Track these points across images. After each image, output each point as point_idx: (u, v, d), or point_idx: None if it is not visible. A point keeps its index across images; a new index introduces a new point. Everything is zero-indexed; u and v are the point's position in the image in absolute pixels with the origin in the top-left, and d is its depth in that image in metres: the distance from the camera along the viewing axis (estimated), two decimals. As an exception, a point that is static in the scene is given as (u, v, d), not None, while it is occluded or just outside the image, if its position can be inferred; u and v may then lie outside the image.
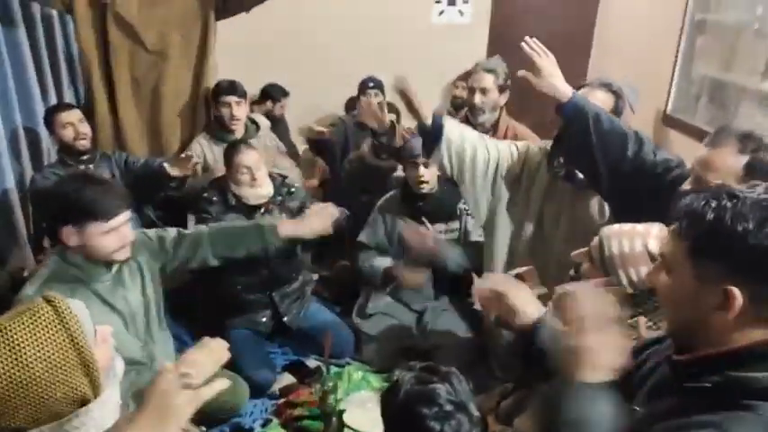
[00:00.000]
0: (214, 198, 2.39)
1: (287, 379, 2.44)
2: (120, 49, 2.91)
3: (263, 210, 2.43)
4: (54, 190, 1.67)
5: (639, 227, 1.38)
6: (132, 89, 2.99)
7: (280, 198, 2.47)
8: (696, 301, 0.84)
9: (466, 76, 4.10)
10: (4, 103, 2.75)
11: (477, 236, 2.47)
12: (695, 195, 0.85)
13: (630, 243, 1.34)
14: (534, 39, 1.81)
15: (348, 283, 2.88)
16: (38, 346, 0.85)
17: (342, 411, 1.97)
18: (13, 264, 2.46)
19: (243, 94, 2.88)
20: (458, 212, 2.51)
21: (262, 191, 2.36)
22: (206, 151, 2.89)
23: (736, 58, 2.85)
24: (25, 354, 0.84)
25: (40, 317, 0.88)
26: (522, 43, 1.80)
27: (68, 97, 3.26)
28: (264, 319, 2.49)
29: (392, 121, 2.60)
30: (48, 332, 0.87)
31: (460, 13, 4.36)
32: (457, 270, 2.42)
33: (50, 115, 2.59)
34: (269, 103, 4.05)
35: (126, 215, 1.69)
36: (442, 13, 4.36)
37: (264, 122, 3.18)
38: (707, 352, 0.85)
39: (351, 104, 4.11)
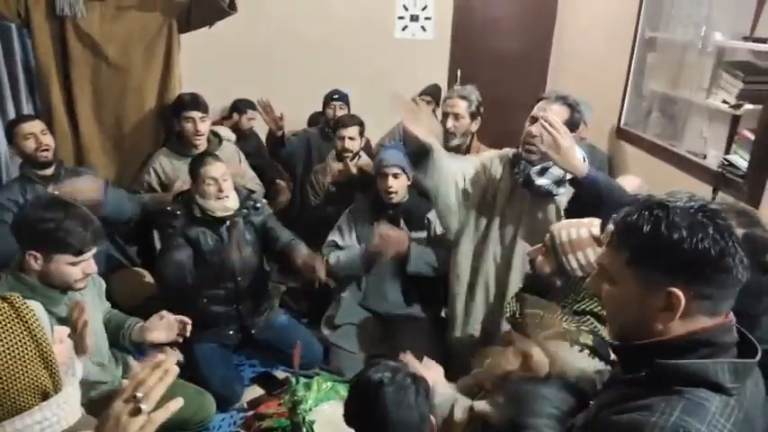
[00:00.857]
0: (178, 212, 2.37)
1: (255, 391, 2.44)
2: (80, 62, 2.87)
3: (228, 223, 2.42)
4: (32, 215, 1.63)
5: (584, 219, 1.57)
6: (93, 102, 2.96)
7: (245, 211, 2.48)
8: (641, 305, 0.91)
9: (426, 90, 4.21)
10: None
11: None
12: (629, 208, 0.93)
13: (577, 231, 1.52)
14: (554, 118, 1.89)
15: (316, 295, 2.90)
16: None
17: (312, 422, 1.98)
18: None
19: (206, 109, 2.87)
20: (426, 221, 2.56)
21: (228, 203, 2.36)
22: (165, 168, 2.85)
23: (683, 74, 3.01)
24: None
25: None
26: (542, 121, 1.89)
27: (27, 110, 3.19)
28: (231, 332, 2.48)
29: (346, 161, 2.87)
30: (5, 326, 0.89)
31: (423, 28, 4.47)
32: (427, 272, 2.47)
33: (11, 127, 2.53)
34: (235, 116, 4.03)
35: (94, 251, 1.69)
36: (405, 28, 4.46)
37: (229, 136, 3.18)
38: (641, 342, 0.92)
39: (314, 119, 4.14)
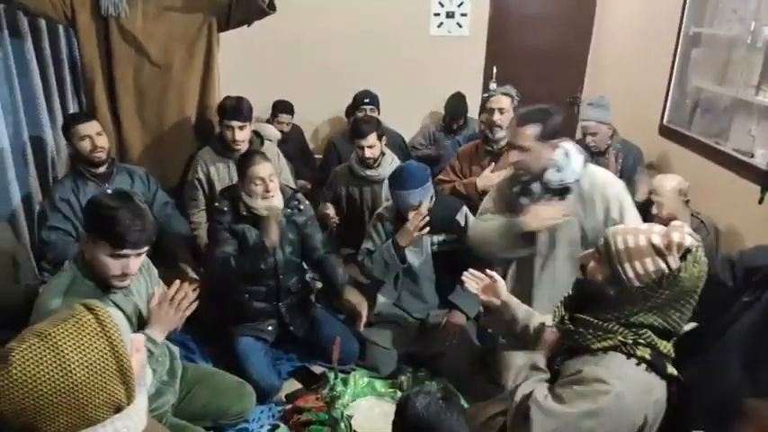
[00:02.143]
0: (225, 208, 2.41)
1: (293, 385, 2.47)
2: (123, 60, 2.94)
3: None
4: (96, 199, 1.69)
5: (643, 225, 1.46)
6: (135, 101, 3.02)
7: (289, 211, 2.50)
8: None
9: (460, 114, 4.20)
10: (11, 114, 2.78)
11: None
12: None
13: (635, 238, 1.39)
14: None
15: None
16: (81, 352, 0.87)
17: (350, 417, 2.00)
18: (19, 273, 2.47)
19: (247, 117, 2.89)
20: (455, 224, 2.55)
21: (273, 202, 2.37)
22: (209, 167, 2.92)
23: (730, 70, 2.92)
24: (69, 360, 0.85)
25: (82, 324, 0.90)
26: None
27: (73, 108, 3.29)
28: (270, 328, 2.51)
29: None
30: (90, 339, 0.88)
31: (459, 25, 4.44)
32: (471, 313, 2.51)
33: (69, 125, 2.60)
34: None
35: (137, 252, 1.68)
36: (440, 25, 4.44)
37: (272, 134, 3.22)
38: None
39: (350, 111, 4.16)
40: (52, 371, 0.84)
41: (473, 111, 4.42)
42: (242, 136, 2.87)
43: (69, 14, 2.84)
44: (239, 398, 2.17)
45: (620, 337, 1.38)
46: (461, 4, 4.36)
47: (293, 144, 4.09)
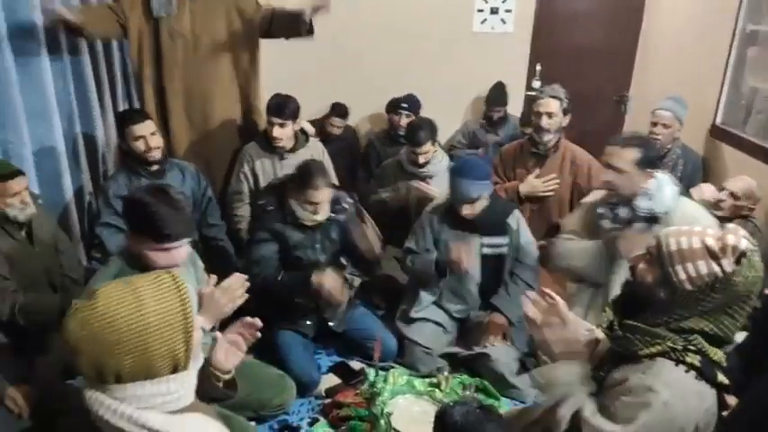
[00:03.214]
0: (270, 207, 2.44)
1: (331, 380, 2.49)
2: (172, 60, 2.99)
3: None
4: (132, 196, 1.74)
5: (696, 227, 1.40)
6: (183, 100, 3.07)
7: (332, 214, 2.51)
8: None
9: (498, 101, 4.19)
10: (65, 110, 2.88)
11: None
12: None
13: (688, 239, 1.35)
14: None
15: (390, 288, 2.93)
16: (156, 301, 0.96)
17: (389, 414, 2.01)
18: (66, 266, 2.57)
19: (290, 116, 2.93)
20: (506, 228, 2.52)
21: (318, 217, 2.41)
22: (255, 162, 2.99)
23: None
24: (145, 305, 0.95)
25: (161, 280, 1.00)
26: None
27: (123, 107, 3.38)
28: (310, 323, 2.53)
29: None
30: (165, 294, 0.98)
31: (503, 21, 4.38)
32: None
33: (123, 125, 2.67)
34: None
35: (180, 244, 1.72)
36: (484, 21, 4.39)
37: (309, 129, 3.25)
38: None
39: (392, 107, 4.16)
40: (130, 311, 0.94)
41: (513, 108, 4.38)
42: (281, 133, 2.91)
43: (125, 22, 2.91)
44: (280, 390, 2.22)
45: (669, 343, 1.34)
46: (506, 0, 4.30)
47: (336, 145, 4.10)
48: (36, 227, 2.29)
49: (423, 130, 2.97)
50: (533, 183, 2.93)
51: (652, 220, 2.10)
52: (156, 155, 2.65)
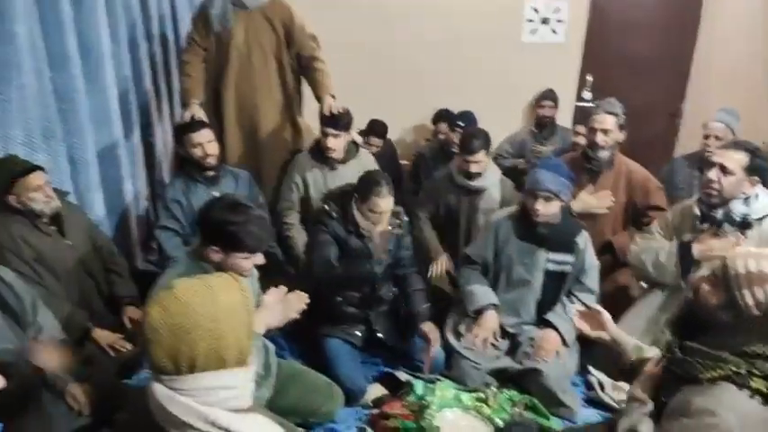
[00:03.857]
0: (334, 214, 2.46)
1: (378, 390, 2.49)
2: (228, 72, 3.10)
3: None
4: (219, 216, 1.79)
5: (765, 250, 1.39)
6: (237, 110, 3.18)
7: (390, 228, 2.52)
8: None
9: (547, 94, 4.13)
10: (126, 117, 3.01)
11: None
12: None
13: (757, 263, 1.33)
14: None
15: (438, 299, 2.91)
16: (226, 294, 1.06)
17: (437, 428, 2.00)
18: (108, 260, 2.66)
19: (344, 127, 2.98)
20: (574, 246, 2.47)
21: (380, 228, 2.43)
22: (306, 171, 3.04)
23: None
24: (217, 296, 1.04)
25: (228, 280, 1.11)
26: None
27: (179, 114, 3.50)
28: (359, 333, 2.54)
29: None
30: (232, 290, 1.08)
31: (553, 31, 4.33)
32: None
33: (183, 131, 2.77)
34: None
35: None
36: (534, 31, 4.35)
37: (359, 139, 3.29)
38: None
39: (439, 117, 4.16)
40: (204, 300, 1.03)
41: (563, 119, 4.32)
42: (335, 144, 2.96)
43: (203, 45, 3.07)
44: (328, 398, 2.23)
45: (732, 367, 1.31)
46: (557, 10, 4.25)
47: (379, 161, 4.11)
48: (66, 221, 2.37)
49: (477, 138, 2.95)
50: (587, 200, 2.82)
51: (744, 225, 2.15)
52: (213, 161, 2.75)
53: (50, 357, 1.84)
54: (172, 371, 1.01)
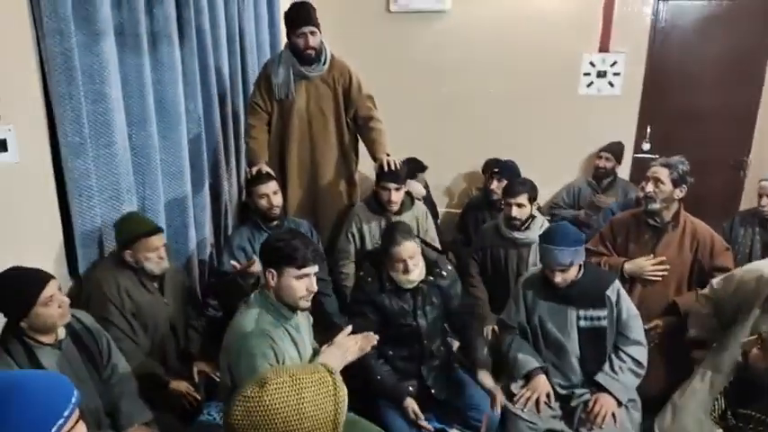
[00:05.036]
0: (369, 278, 2.49)
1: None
2: (292, 135, 3.30)
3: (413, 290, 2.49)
4: (271, 240, 1.99)
5: None
6: (298, 168, 3.36)
7: (431, 278, 2.52)
8: None
9: (607, 147, 4.11)
10: (196, 168, 3.20)
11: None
12: None
13: None
14: None
15: (490, 353, 2.87)
16: (314, 405, 1.06)
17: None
18: (192, 316, 2.78)
19: (403, 181, 3.10)
20: (605, 300, 2.42)
21: (412, 276, 2.41)
22: (362, 222, 3.15)
23: None
24: (304, 406, 1.05)
25: (323, 383, 1.10)
26: None
27: (246, 167, 3.67)
28: (411, 388, 2.51)
29: None
30: (324, 398, 1.08)
31: (610, 84, 4.32)
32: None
33: (251, 184, 2.96)
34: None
35: (315, 269, 1.95)
36: (590, 84, 4.36)
37: (419, 192, 3.37)
38: None
39: (487, 167, 4.17)
40: (289, 408, 1.04)
41: (622, 172, 4.26)
42: (397, 197, 3.07)
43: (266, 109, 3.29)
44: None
45: None
46: (614, 63, 4.26)
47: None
48: (167, 280, 2.51)
49: (521, 183, 3.00)
50: (641, 264, 2.75)
51: None
52: (277, 212, 2.91)
53: None
54: None
